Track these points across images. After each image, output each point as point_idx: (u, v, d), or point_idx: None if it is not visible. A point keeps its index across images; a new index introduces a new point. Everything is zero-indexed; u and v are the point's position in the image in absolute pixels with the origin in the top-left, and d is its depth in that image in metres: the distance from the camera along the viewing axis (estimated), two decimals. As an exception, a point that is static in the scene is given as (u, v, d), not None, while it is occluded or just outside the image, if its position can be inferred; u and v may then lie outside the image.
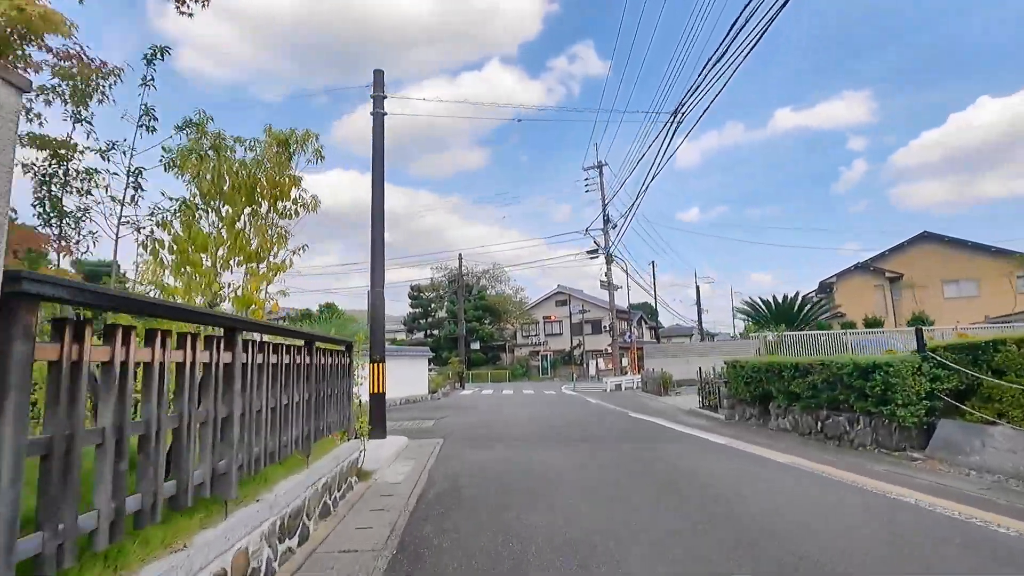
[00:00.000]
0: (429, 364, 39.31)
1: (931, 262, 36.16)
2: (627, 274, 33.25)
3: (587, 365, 52.92)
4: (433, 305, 51.13)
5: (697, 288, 46.21)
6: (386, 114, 11.19)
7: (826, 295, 41.12)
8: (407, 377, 20.34)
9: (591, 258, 33.42)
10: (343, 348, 6.27)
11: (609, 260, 32.60)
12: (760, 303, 19.31)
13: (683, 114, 12.25)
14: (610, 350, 56.19)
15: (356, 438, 6.76)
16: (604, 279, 32.71)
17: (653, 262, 31.20)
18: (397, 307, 55.21)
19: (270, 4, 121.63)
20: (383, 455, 8.34)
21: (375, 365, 10.39)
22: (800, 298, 18.69)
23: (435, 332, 51.09)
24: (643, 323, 67.31)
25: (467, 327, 46.52)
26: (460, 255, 32.82)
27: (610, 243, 32.89)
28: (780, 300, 18.87)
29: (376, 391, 10.35)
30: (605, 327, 56.66)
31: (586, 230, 33.18)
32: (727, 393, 12.16)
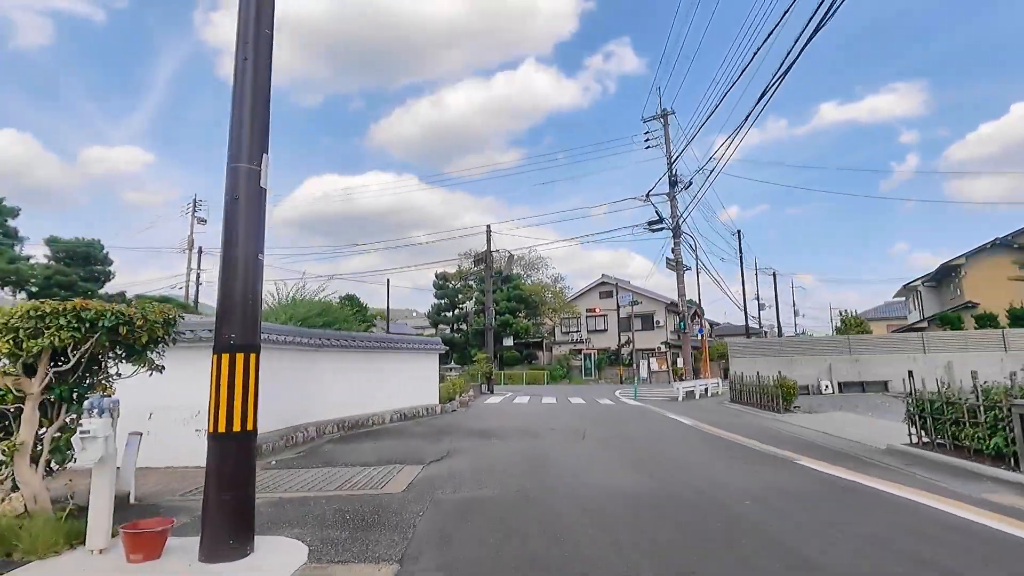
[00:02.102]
0: (448, 363, 32.94)
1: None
2: (695, 255, 26.14)
3: (637, 366, 45.79)
4: (460, 296, 44.89)
5: (773, 275, 38.54)
6: None
7: (951, 280, 32.95)
8: (403, 382, 13.99)
9: (653, 231, 26.46)
10: None
11: (677, 232, 25.57)
12: None
13: None
14: (663, 348, 48.89)
15: None
16: (671, 258, 25.71)
17: (739, 231, 23.97)
18: (423, 301, 49.25)
19: (305, 8, 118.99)
20: None
21: (229, 359, 3.97)
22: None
23: (463, 326, 44.88)
24: (696, 318, 59.60)
25: (500, 320, 40.10)
26: (488, 227, 26.41)
27: (678, 212, 25.87)
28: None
29: (226, 429, 3.92)
30: (658, 322, 49.34)
31: (647, 195, 26.24)
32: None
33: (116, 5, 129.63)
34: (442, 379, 23.76)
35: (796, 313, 72.37)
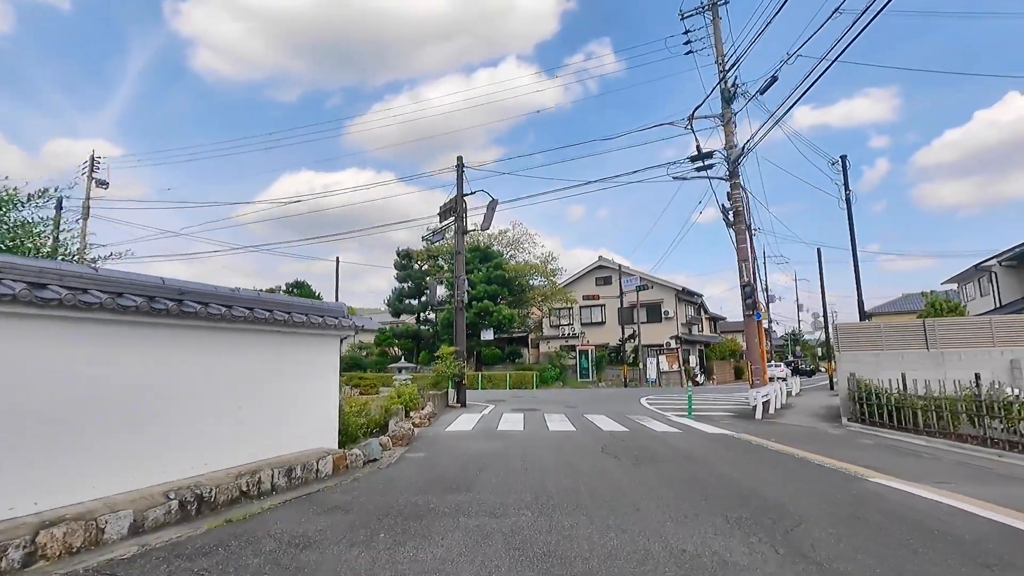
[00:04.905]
0: (399, 361, 24.29)
1: None
2: (747, 206, 17.88)
3: (645, 365, 37.72)
4: (429, 278, 36.22)
5: (818, 252, 30.79)
6: None
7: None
8: (229, 402, 5.53)
9: (697, 170, 18.27)
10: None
11: (735, 169, 17.44)
12: None
13: None
14: (673, 344, 40.85)
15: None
16: (727, 206, 17.54)
17: (843, 156, 15.68)
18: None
19: (285, 2, 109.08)
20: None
21: None
22: None
23: (431, 316, 36.29)
24: (703, 311, 52.05)
25: (477, 308, 31.60)
26: (460, 160, 17.87)
27: (735, 140, 17.74)
28: None
29: None
30: (666, 313, 41.24)
31: (690, 116, 18.01)
32: None
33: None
34: (386, 385, 15.16)
35: (800, 307, 65.40)
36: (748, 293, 16.53)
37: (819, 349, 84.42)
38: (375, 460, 7.36)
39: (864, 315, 17.65)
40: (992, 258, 32.02)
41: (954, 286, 40.48)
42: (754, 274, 18.42)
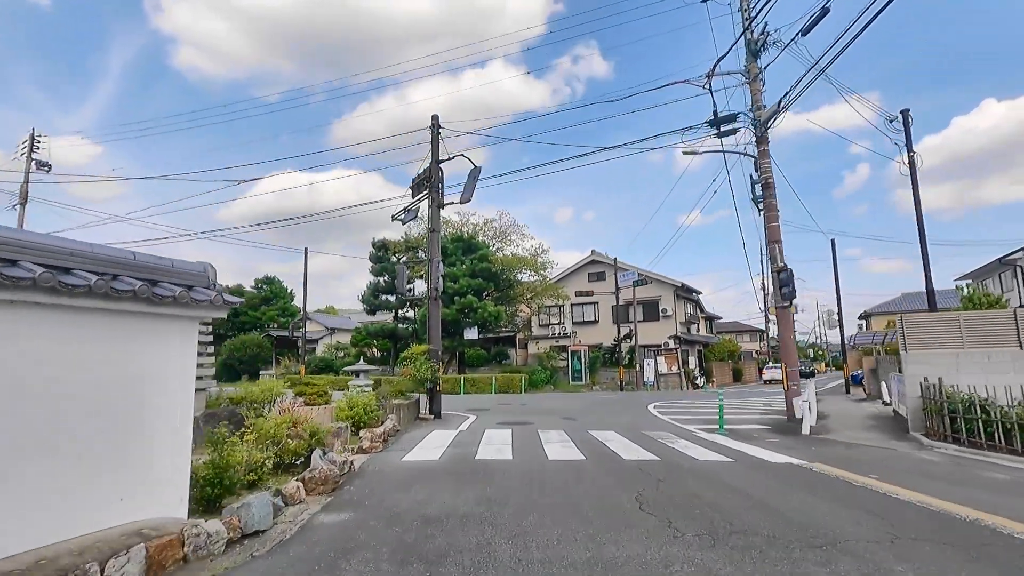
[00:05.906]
0: (357, 362, 21.11)
1: None
2: (768, 183, 14.95)
3: (642, 366, 34.88)
4: (398, 265, 33.13)
5: (832, 243, 28.21)
6: None
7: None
8: None
9: (716, 135, 15.41)
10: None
11: (765, 129, 14.62)
12: None
13: None
14: (672, 344, 38.08)
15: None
16: (755, 177, 14.69)
17: (906, 111, 12.91)
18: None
19: (270, 1, 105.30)
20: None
21: None
22: None
23: (409, 314, 33.14)
24: (700, 310, 49.40)
25: (461, 304, 28.54)
26: (435, 118, 14.83)
27: (763, 102, 14.91)
28: None
29: None
30: (664, 311, 38.47)
31: (709, 74, 15.14)
32: None
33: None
34: (341, 389, 12.19)
35: (796, 309, 62.99)
36: (784, 280, 13.64)
37: (811, 351, 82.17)
38: (258, 533, 4.28)
39: (933, 309, 14.86)
40: (1018, 251, 29.62)
41: (968, 282, 38.15)
42: (776, 260, 15.53)
